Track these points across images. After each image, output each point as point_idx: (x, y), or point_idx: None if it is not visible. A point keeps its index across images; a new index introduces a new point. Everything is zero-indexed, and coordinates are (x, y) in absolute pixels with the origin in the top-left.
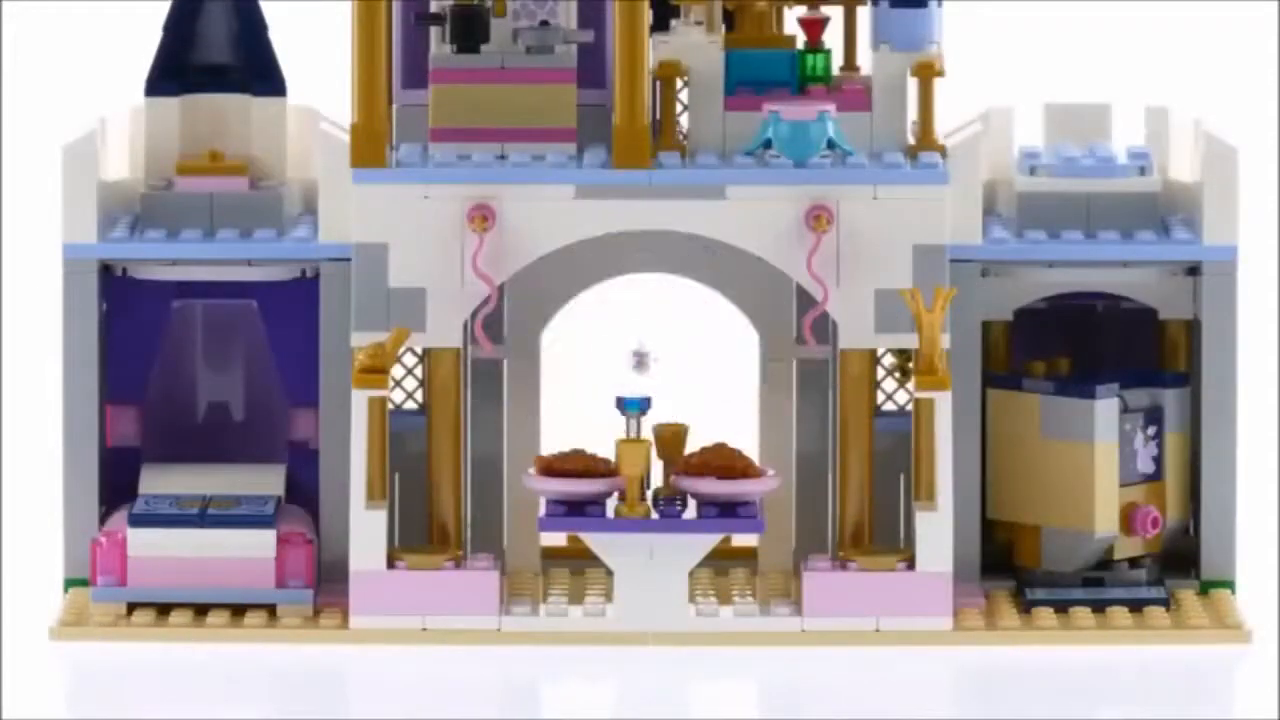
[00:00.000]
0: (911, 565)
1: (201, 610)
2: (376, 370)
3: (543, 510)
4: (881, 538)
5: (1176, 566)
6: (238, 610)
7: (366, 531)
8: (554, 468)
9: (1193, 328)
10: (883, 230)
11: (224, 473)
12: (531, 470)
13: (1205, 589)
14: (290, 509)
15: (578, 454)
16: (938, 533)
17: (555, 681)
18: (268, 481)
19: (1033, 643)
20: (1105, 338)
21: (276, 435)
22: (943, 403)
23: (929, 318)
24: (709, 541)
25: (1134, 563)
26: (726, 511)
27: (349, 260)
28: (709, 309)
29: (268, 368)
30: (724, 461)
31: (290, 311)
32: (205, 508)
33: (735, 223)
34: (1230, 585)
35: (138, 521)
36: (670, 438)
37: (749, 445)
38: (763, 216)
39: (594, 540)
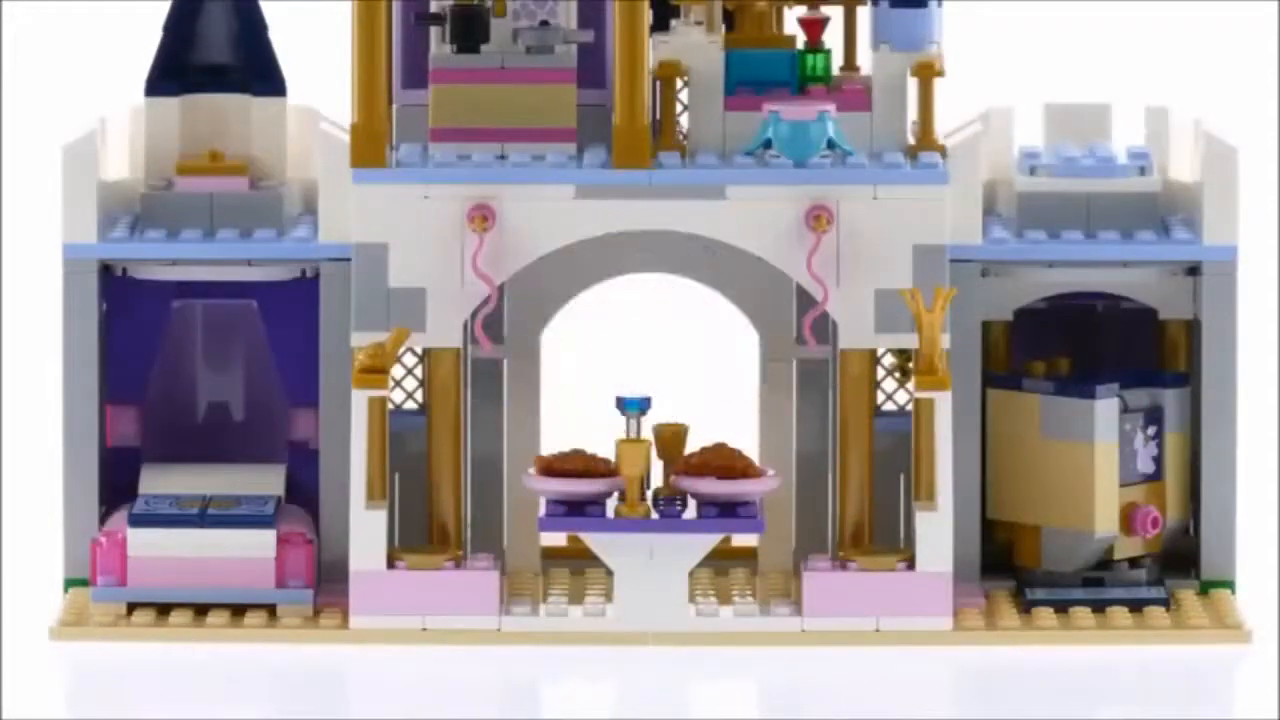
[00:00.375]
0: (911, 565)
1: (201, 610)
2: (376, 370)
3: (543, 510)
4: (881, 538)
5: (1176, 566)
6: (238, 610)
7: (366, 531)
8: (554, 468)
9: (1193, 328)
10: (883, 230)
11: (224, 473)
12: (531, 470)
13: (1205, 589)
14: (290, 509)
15: (578, 454)
16: (938, 533)
17: (555, 681)
18: (268, 481)
19: (1033, 643)
20: (1105, 338)
21: (276, 435)
22: (943, 403)
23: (929, 318)
24: (709, 541)
25: (1134, 563)
26: (726, 511)
27: (349, 260)
28: (709, 309)
29: (268, 368)
30: (724, 461)
31: (290, 311)
32: (205, 508)
33: (735, 223)
34: (1230, 585)
35: (138, 521)
36: (670, 438)
37: (749, 445)
38: (763, 216)
39: (594, 540)
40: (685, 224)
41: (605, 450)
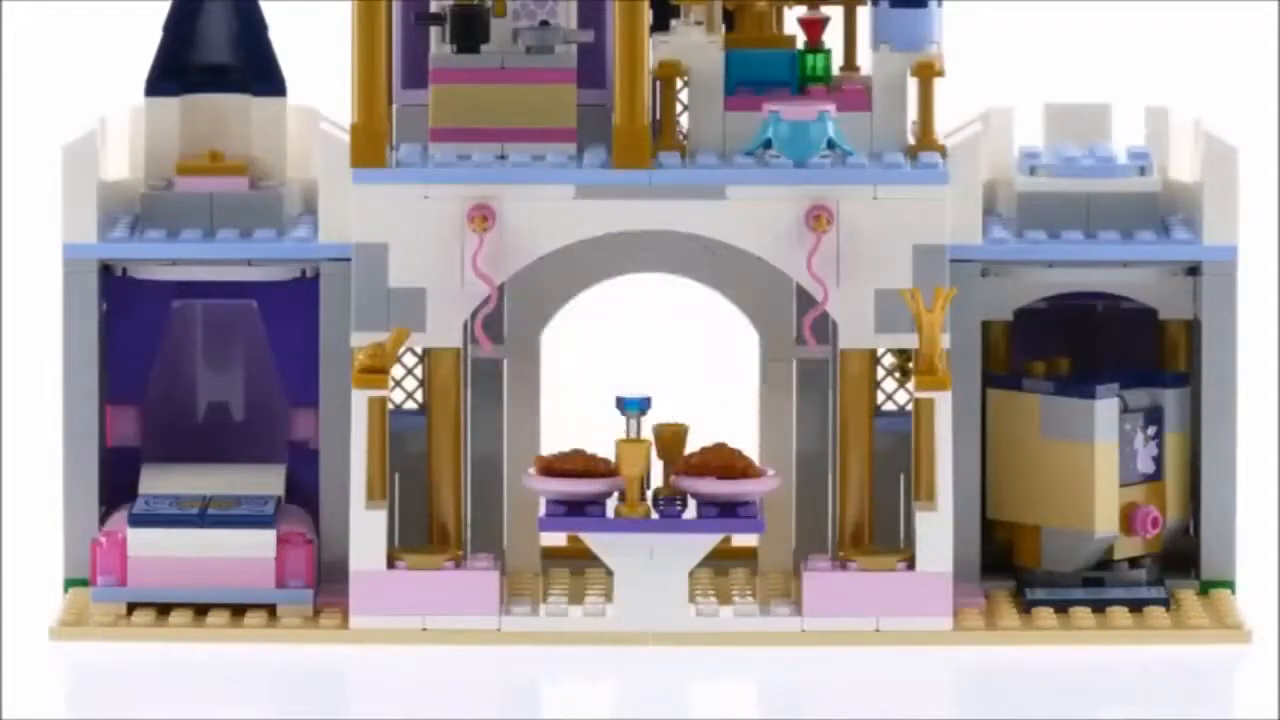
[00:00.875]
0: (912, 565)
1: (201, 610)
2: (376, 370)
3: (543, 510)
4: (881, 538)
5: (1176, 566)
6: (238, 610)
7: (366, 531)
8: (554, 468)
9: (1192, 328)
10: (883, 230)
11: (224, 473)
12: (531, 470)
13: (1205, 589)
14: (290, 509)
15: (577, 454)
16: (938, 533)
17: (555, 681)
18: (268, 481)
19: (1033, 643)
20: (1105, 338)
21: (276, 435)
22: (943, 403)
23: (929, 318)
24: (709, 541)
25: (1134, 563)
26: (726, 511)
27: (349, 260)
28: (709, 309)
29: (267, 368)
30: (724, 461)
31: (290, 311)
32: (205, 508)
33: (735, 223)
34: (1230, 585)
35: (138, 521)
36: (670, 438)
37: (749, 445)
38: (763, 216)
39: (594, 540)
40: (685, 224)
41: (605, 450)
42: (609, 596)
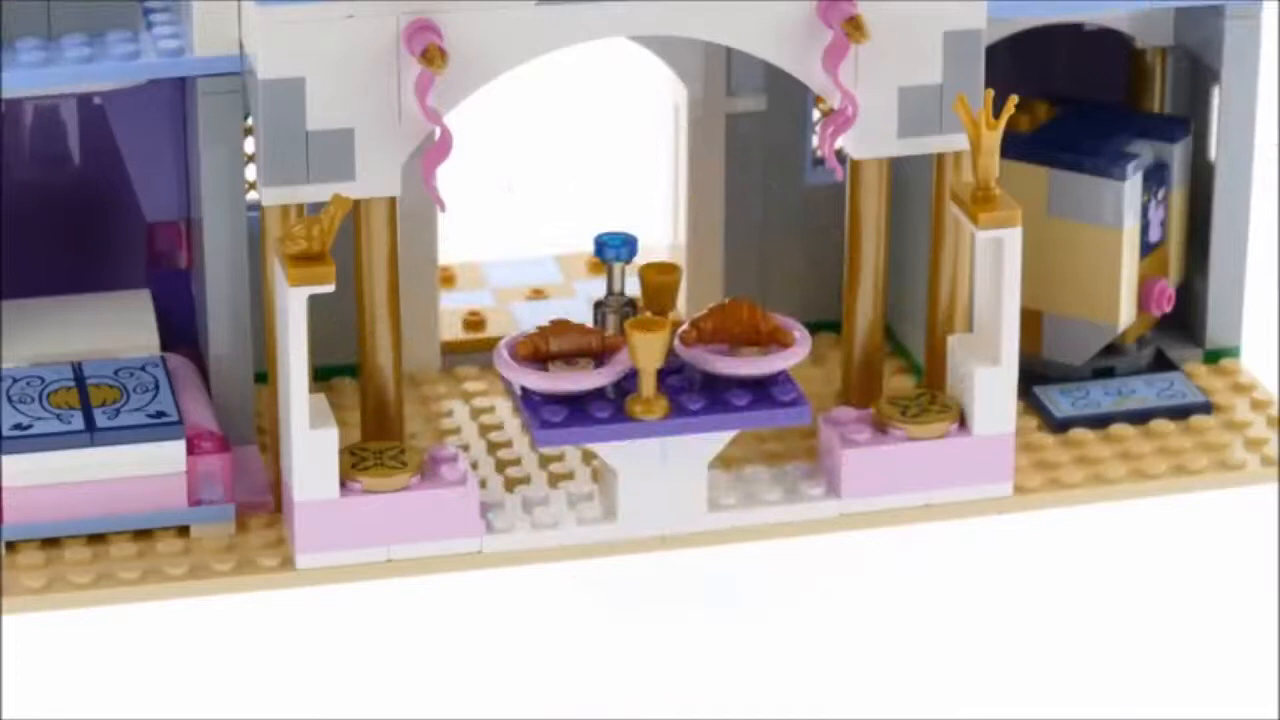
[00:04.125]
0: (964, 427)
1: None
2: (314, 258)
3: (532, 415)
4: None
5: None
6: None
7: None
8: (540, 352)
9: (1169, 58)
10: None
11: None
12: (506, 354)
13: (1211, 358)
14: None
15: (563, 326)
16: (1000, 391)
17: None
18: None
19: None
20: (1068, 70)
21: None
22: (1011, 242)
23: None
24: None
25: (1140, 341)
26: (758, 395)
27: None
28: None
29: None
30: (744, 326)
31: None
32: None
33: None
34: (1236, 352)
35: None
36: (661, 287)
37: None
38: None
39: (605, 449)
40: (678, 27)
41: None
42: (605, 500)
